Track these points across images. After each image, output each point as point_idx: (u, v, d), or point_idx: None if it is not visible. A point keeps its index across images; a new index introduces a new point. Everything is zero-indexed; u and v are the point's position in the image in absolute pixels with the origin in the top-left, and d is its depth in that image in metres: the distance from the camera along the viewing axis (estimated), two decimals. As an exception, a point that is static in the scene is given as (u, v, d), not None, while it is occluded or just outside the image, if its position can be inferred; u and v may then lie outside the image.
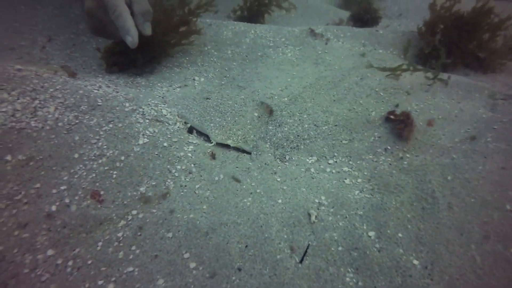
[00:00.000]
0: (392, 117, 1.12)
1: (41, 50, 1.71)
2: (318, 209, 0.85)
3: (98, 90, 1.10)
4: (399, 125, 1.08)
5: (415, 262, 0.74)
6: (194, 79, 1.51)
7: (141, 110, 1.10)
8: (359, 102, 1.23)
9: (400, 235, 0.78)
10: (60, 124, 0.98)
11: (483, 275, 0.72)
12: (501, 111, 1.33)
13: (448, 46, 1.75)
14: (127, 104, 1.09)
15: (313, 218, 0.82)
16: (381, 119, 1.16)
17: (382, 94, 1.29)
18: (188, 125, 1.09)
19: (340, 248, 0.76)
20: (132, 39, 1.12)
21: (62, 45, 1.73)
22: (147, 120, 1.08)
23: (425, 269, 0.73)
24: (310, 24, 2.51)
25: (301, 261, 0.74)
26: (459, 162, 0.95)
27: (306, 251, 0.75)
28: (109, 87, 1.17)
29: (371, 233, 0.79)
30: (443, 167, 0.94)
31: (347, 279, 0.71)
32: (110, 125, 1.01)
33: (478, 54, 1.80)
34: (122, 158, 0.95)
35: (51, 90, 1.05)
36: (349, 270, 0.73)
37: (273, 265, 0.74)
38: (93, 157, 0.92)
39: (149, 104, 1.15)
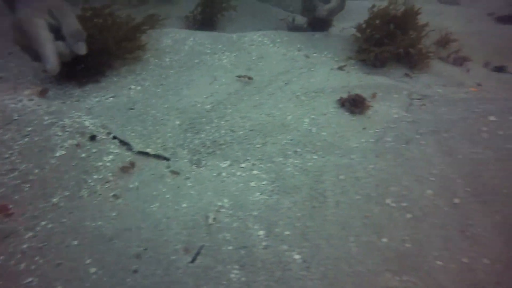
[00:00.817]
0: (348, 100, 1.34)
1: (-29, 60, 1.68)
2: (218, 211, 0.92)
3: (16, 104, 1.13)
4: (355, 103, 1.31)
5: (297, 256, 0.82)
6: (130, 88, 1.55)
7: (61, 123, 1.13)
8: (278, 107, 1.31)
9: (287, 233, 0.86)
10: (-28, 140, 1.00)
11: (354, 264, 0.81)
12: (412, 110, 1.44)
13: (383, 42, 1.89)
14: (46, 118, 1.12)
15: (210, 220, 0.88)
16: (296, 122, 1.24)
17: (303, 98, 1.38)
18: (89, 134, 1.13)
19: (230, 247, 0.83)
20: (50, 67, 1.16)
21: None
22: (67, 133, 1.12)
23: (304, 262, 0.81)
24: (260, 28, 2.58)
25: (192, 261, 0.80)
26: (354, 162, 1.05)
27: (198, 252, 0.82)
28: (31, 100, 1.20)
29: (261, 232, 0.86)
30: (339, 167, 1.03)
31: (232, 275, 0.78)
32: (26, 139, 1.04)
33: (409, 50, 1.93)
34: (36, 171, 0.99)
35: (-35, 106, 1.07)
36: (235, 267, 0.80)
37: (167, 266, 0.80)
38: (4, 172, 0.95)
39: (71, 116, 1.18)
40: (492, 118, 1.20)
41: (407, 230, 0.90)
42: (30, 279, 0.78)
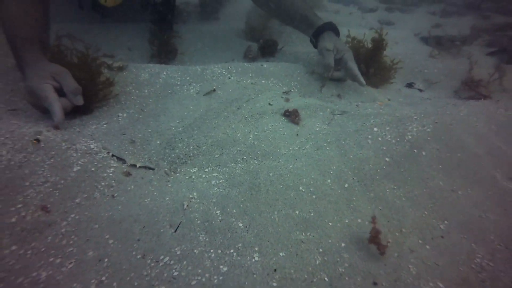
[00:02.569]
0: (287, 113, 1.89)
1: (-20, 96, 2.05)
2: (190, 201, 1.40)
3: (39, 135, 1.55)
4: (293, 116, 1.86)
5: (240, 224, 1.32)
6: (118, 115, 2.00)
7: (74, 147, 1.57)
8: (231, 127, 1.81)
9: (234, 211, 1.36)
10: (12, 162, 1.42)
11: (276, 226, 1.32)
12: (332, 124, 1.99)
13: None
14: (63, 144, 1.56)
15: (185, 206, 1.37)
16: (244, 137, 1.75)
17: (250, 120, 1.89)
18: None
19: (198, 222, 1.32)
20: (58, 120, 1.65)
21: (0, 91, 2.09)
22: (79, 154, 1.56)
23: (245, 227, 1.31)
24: (220, 57, 3.10)
25: (175, 231, 1.28)
26: (279, 164, 1.57)
27: (178, 226, 1.30)
28: (49, 131, 1.62)
29: (218, 211, 1.35)
30: (270, 168, 1.54)
31: (200, 237, 1.27)
32: (52, 160, 1.47)
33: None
34: (62, 181, 1.43)
35: (1, 138, 1.48)
36: (202, 233, 1.28)
37: (158, 235, 1.27)
38: (40, 183, 1.39)
39: (80, 141, 1.62)
40: (375, 129, 1.77)
41: (312, 206, 1.43)
42: (70, 249, 1.22)
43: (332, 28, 2.53)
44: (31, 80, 1.67)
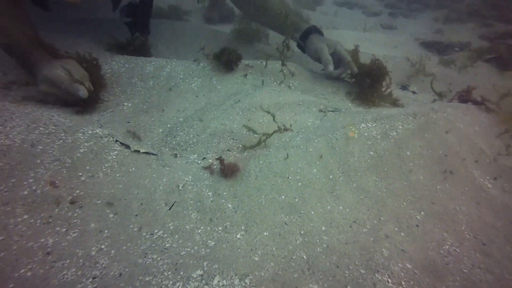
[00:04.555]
0: (222, 167, 1.55)
1: (-1, 83, 2.20)
2: (185, 183, 1.53)
3: (51, 118, 1.69)
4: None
5: (229, 205, 1.44)
6: (123, 105, 2.13)
7: (82, 130, 1.71)
8: (229, 119, 1.94)
9: (225, 193, 1.48)
10: (26, 142, 1.56)
11: (263, 209, 1.44)
12: (324, 119, 2.11)
13: None
14: (72, 127, 1.69)
15: (180, 187, 1.49)
16: (239, 128, 1.87)
17: (245, 113, 2.01)
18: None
19: (191, 201, 1.44)
20: (82, 92, 1.79)
21: (16, 78, 2.23)
22: (86, 137, 1.69)
23: (234, 208, 1.43)
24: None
25: (169, 209, 1.41)
26: (269, 153, 1.68)
27: (173, 204, 1.42)
28: (59, 115, 1.76)
29: (209, 193, 1.47)
30: (260, 156, 1.66)
31: (192, 215, 1.39)
32: (61, 141, 1.61)
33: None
34: (69, 160, 1.56)
35: (17, 120, 1.62)
36: (194, 211, 1.41)
37: (154, 212, 1.40)
38: (50, 161, 1.52)
39: (87, 126, 1.76)
40: (363, 125, 1.88)
41: (297, 192, 1.54)
42: (75, 221, 1.35)
43: (317, 30, 2.67)
44: (43, 70, 1.81)
